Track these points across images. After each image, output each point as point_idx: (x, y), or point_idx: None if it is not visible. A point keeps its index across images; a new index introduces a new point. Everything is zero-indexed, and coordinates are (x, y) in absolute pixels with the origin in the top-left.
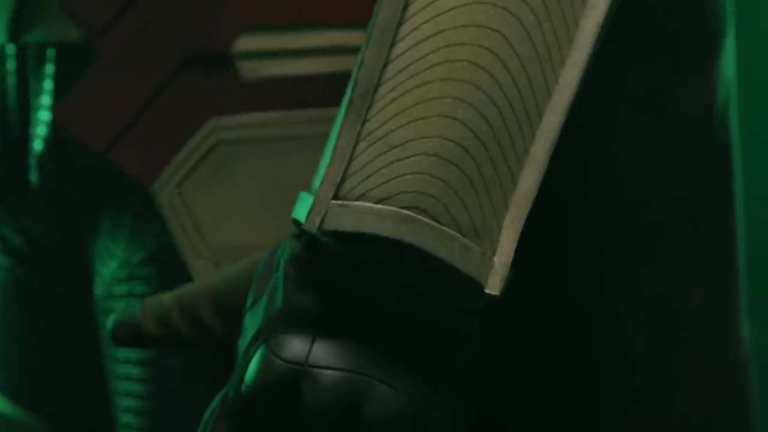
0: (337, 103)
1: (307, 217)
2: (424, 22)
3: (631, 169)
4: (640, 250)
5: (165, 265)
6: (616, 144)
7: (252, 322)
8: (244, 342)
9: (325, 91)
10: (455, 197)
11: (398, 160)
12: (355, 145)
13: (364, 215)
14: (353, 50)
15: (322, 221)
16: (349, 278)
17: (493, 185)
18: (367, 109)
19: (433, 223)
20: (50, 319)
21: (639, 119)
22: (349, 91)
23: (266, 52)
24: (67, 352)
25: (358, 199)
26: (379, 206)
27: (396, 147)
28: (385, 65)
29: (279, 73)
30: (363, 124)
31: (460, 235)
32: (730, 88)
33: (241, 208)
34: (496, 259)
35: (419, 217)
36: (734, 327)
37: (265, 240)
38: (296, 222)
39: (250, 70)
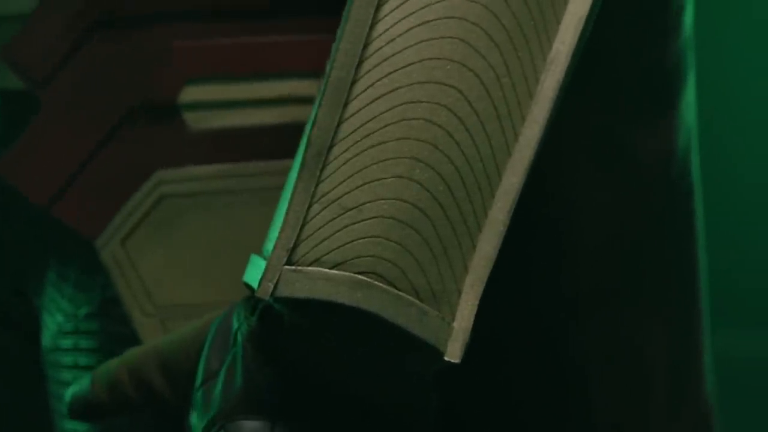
0: (286, 155)
1: (260, 284)
2: (379, 79)
3: (589, 219)
4: (599, 301)
5: (110, 320)
6: (575, 193)
7: (207, 402)
8: (199, 424)
9: (274, 143)
10: (412, 261)
11: (353, 223)
12: (309, 207)
13: (319, 281)
14: (303, 100)
15: (274, 288)
16: (306, 354)
17: (452, 248)
18: (321, 170)
19: (389, 288)
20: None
21: (597, 168)
22: (301, 151)
23: (213, 103)
24: (15, 399)
25: (312, 264)
26: (334, 272)
27: (351, 209)
28: (338, 124)
29: (226, 124)
30: (317, 186)
31: (417, 300)
32: (691, 134)
33: (188, 264)
34: (455, 324)
35: (375, 282)
36: (697, 373)
37: (214, 297)
38: (248, 286)
39: (196, 121)
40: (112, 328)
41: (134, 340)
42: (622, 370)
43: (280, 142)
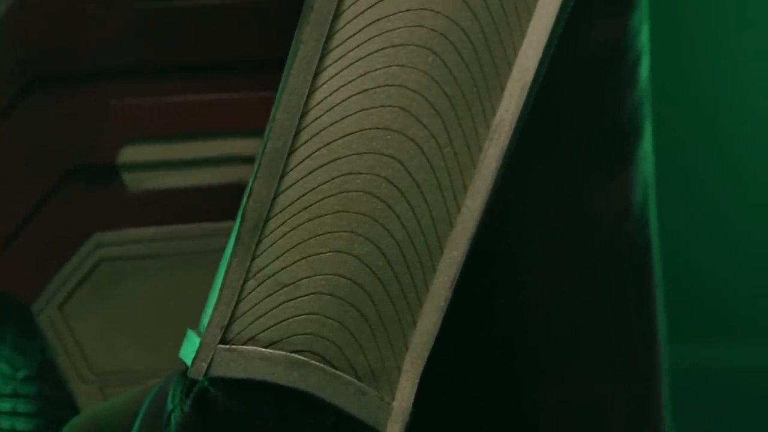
0: (227, 217)
1: (193, 363)
2: (317, 150)
3: (543, 278)
4: (554, 361)
5: (49, 384)
6: (531, 250)
7: None
8: None
9: (214, 204)
10: (351, 339)
11: (290, 300)
12: (244, 283)
13: (254, 360)
14: (245, 159)
15: (208, 368)
16: None
17: (392, 324)
18: (257, 245)
19: (327, 367)
20: None
21: (551, 228)
22: (237, 225)
23: (152, 163)
24: None
25: (247, 342)
26: (270, 350)
27: (287, 285)
28: (275, 197)
29: (165, 185)
30: (252, 261)
31: (355, 380)
32: (648, 187)
33: (128, 330)
34: (395, 403)
35: (312, 361)
36: (657, 430)
37: (154, 364)
38: (183, 362)
39: (135, 182)
40: (50, 392)
41: (73, 404)
42: (581, 427)
43: (221, 203)
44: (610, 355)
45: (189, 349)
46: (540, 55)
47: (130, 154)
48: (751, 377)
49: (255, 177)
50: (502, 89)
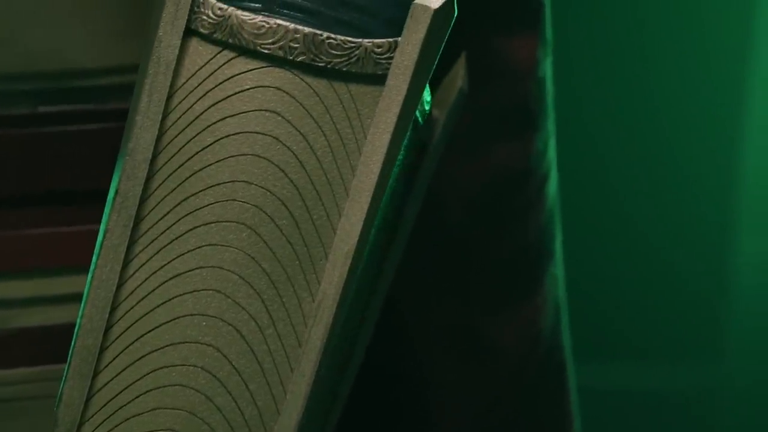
0: None
1: None
2: (130, 345)
3: (445, 410)
4: None
5: None
6: (431, 389)
7: None
8: None
9: None
10: None
11: None
12: None
13: None
14: None
15: None
16: None
17: None
18: None
19: None
20: None
21: (455, 358)
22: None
23: (16, 300)
24: None
25: None
26: None
27: None
28: (88, 399)
29: (30, 323)
30: None
31: None
32: (559, 309)
33: None
34: None
35: None
36: None
37: None
38: None
39: (2, 320)
40: None
41: None
42: None
43: None
44: None
45: None
46: (364, 217)
47: None
48: (653, 399)
49: (65, 379)
50: (327, 258)
